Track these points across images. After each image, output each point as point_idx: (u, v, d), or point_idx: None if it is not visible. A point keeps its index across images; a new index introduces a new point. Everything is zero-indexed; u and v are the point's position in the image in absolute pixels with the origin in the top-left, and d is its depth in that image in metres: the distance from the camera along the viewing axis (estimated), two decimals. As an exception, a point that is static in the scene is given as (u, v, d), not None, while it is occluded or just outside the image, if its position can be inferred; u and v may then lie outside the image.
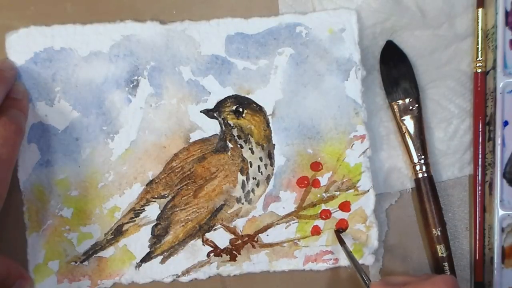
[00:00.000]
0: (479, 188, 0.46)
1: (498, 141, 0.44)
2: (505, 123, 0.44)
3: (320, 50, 0.44)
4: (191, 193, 0.44)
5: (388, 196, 0.46)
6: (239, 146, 0.44)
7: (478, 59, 0.45)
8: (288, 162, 0.44)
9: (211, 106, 0.44)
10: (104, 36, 0.43)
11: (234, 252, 0.44)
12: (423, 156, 0.45)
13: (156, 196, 0.44)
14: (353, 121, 0.44)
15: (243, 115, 0.44)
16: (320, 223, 0.45)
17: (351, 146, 0.44)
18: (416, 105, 0.45)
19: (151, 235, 0.44)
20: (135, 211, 0.44)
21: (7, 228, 0.44)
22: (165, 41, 0.44)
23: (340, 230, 0.44)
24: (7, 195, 0.40)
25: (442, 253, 0.44)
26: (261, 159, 0.44)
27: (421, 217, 0.46)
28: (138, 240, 0.44)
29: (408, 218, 0.46)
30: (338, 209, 0.44)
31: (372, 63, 0.46)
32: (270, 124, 0.44)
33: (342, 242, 0.43)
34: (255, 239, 0.44)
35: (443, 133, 0.46)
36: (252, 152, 0.44)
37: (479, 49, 0.45)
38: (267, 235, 0.44)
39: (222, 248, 0.44)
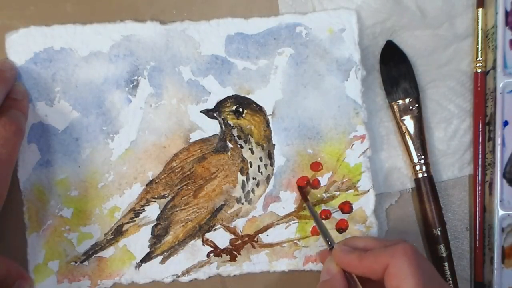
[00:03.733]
0: (479, 188, 0.46)
1: (498, 141, 0.44)
2: (505, 123, 0.44)
3: (320, 50, 0.44)
4: (191, 193, 0.44)
5: (388, 196, 0.46)
6: (239, 146, 0.44)
7: (478, 59, 0.45)
8: (288, 162, 0.44)
9: (211, 106, 0.44)
10: (104, 36, 0.43)
11: (234, 252, 0.44)
12: (423, 156, 0.45)
13: (156, 196, 0.44)
14: (353, 121, 0.44)
15: (243, 115, 0.44)
16: (320, 223, 0.45)
17: (351, 146, 0.44)
18: (416, 105, 0.45)
19: (151, 235, 0.44)
20: (135, 211, 0.44)
21: (7, 228, 0.44)
22: (165, 41, 0.44)
23: (302, 187, 0.44)
24: (7, 195, 0.40)
25: (442, 253, 0.44)
26: (261, 159, 0.44)
27: (421, 217, 0.46)
28: (138, 240, 0.44)
29: (408, 218, 0.46)
30: (338, 209, 0.44)
31: (372, 63, 0.46)
32: (270, 124, 0.44)
33: (305, 199, 0.43)
34: (255, 239, 0.44)
35: (443, 133, 0.46)
36: (252, 152, 0.44)
37: (479, 49, 0.45)
38: (267, 235, 0.44)
39: (222, 248, 0.44)
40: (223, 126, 0.44)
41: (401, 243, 0.36)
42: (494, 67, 0.44)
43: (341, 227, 0.45)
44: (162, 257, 0.44)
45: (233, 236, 0.44)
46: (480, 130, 0.46)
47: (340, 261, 0.38)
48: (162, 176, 0.44)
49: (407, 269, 0.33)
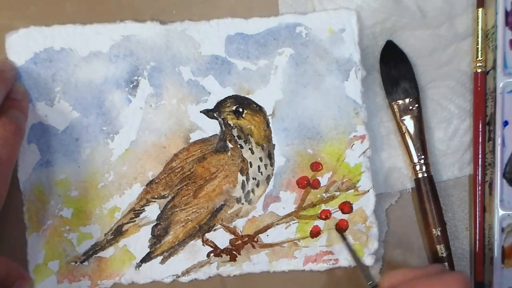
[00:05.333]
0: (479, 188, 0.46)
1: (498, 141, 0.44)
2: (505, 123, 0.44)
3: (320, 50, 0.44)
4: (191, 193, 0.44)
5: (388, 196, 0.46)
6: (239, 146, 0.44)
7: (478, 59, 0.45)
8: (288, 162, 0.44)
9: (211, 106, 0.44)
10: (104, 36, 0.43)
11: (234, 252, 0.44)
12: (423, 156, 0.45)
13: (156, 196, 0.44)
14: (353, 121, 0.44)
15: (243, 115, 0.44)
16: (320, 223, 0.45)
17: (351, 146, 0.44)
18: (416, 105, 0.45)
19: (151, 235, 0.44)
20: (135, 211, 0.44)
21: (7, 228, 0.44)
22: (165, 41, 0.44)
23: (341, 229, 0.44)
24: (7, 195, 0.40)
25: (442, 253, 0.44)
26: (261, 159, 0.44)
27: (421, 217, 0.46)
28: (138, 240, 0.44)
29: (408, 218, 0.46)
30: (338, 209, 0.44)
31: (372, 63, 0.46)
32: (270, 124, 0.44)
33: (347, 244, 0.43)
34: (255, 239, 0.44)
35: (443, 133, 0.46)
36: (252, 152, 0.44)
37: (479, 49, 0.45)
38: (267, 235, 0.44)
39: (222, 248, 0.44)
40: (223, 126, 0.44)
41: (453, 273, 0.35)
42: (494, 67, 0.44)
43: (341, 227, 0.45)
44: (162, 257, 0.44)
45: (233, 236, 0.44)
46: (480, 130, 0.46)
47: None
48: (162, 176, 0.44)
49: None
